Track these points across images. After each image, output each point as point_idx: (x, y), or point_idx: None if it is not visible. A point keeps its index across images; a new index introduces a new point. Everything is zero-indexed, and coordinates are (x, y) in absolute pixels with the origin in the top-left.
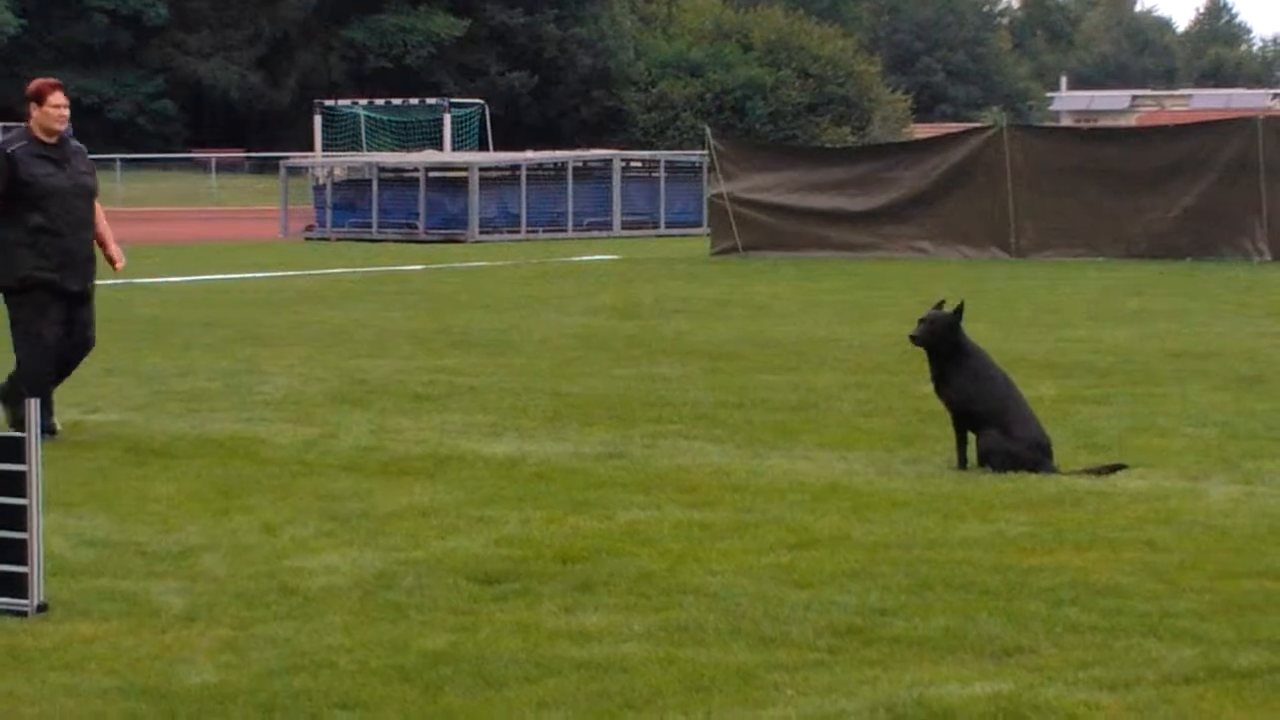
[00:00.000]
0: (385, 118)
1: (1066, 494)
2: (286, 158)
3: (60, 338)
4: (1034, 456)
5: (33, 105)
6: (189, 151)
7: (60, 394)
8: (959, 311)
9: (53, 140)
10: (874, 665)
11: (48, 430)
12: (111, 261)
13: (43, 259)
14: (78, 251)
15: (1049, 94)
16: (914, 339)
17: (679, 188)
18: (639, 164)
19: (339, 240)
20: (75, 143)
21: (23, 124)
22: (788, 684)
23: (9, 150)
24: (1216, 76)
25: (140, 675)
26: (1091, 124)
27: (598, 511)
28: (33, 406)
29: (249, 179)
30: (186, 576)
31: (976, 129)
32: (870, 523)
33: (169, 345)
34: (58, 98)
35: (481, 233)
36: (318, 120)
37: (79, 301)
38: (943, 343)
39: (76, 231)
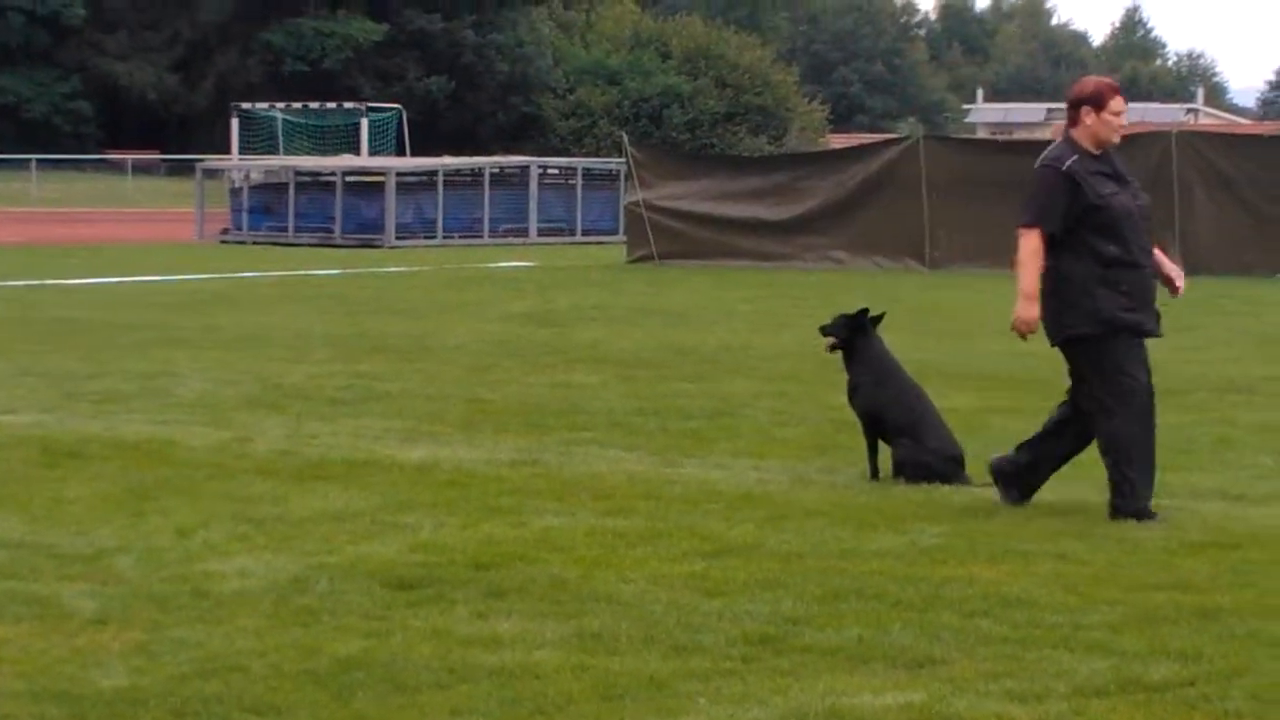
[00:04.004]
0: (302, 121)
1: (979, 505)
2: (203, 160)
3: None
4: (947, 468)
5: (1085, 110)
6: (104, 153)
7: None
8: (863, 312)
9: (1098, 152)
10: (786, 674)
11: (1143, 512)
12: (1172, 285)
13: (1122, 297)
14: (1152, 287)
15: (965, 106)
16: (823, 329)
17: (596, 195)
18: (556, 171)
19: (255, 244)
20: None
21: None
22: (700, 693)
23: (1064, 167)
24: (1131, 91)
25: (51, 678)
26: (1007, 136)
27: (512, 518)
28: None
29: (165, 181)
30: (98, 579)
31: (892, 140)
32: (783, 532)
33: (83, 347)
34: (1119, 104)
35: (398, 238)
36: (234, 123)
37: None
38: (849, 338)
39: (1148, 262)
